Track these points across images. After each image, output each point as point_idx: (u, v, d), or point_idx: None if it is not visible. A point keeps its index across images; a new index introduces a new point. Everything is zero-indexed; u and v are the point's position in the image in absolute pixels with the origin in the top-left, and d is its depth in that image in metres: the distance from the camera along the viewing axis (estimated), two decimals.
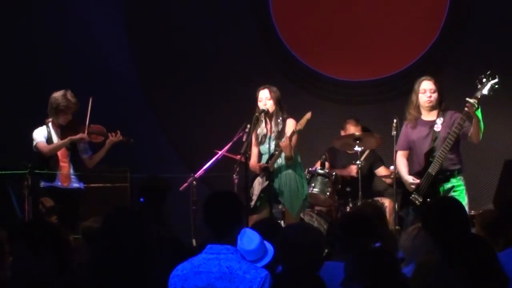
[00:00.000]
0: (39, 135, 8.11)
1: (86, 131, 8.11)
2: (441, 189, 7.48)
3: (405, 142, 7.73)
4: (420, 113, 7.62)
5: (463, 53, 9.88)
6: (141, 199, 6.40)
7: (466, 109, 7.25)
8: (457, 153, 7.56)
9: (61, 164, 8.07)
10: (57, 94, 8.06)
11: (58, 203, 7.89)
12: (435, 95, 7.55)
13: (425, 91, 7.55)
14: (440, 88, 7.59)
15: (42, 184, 8.05)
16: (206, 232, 4.18)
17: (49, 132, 8.13)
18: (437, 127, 7.54)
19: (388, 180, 8.96)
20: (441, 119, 7.55)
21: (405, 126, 7.72)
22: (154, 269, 3.85)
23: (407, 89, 7.96)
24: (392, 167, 8.14)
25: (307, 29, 10.24)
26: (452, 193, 7.39)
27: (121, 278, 3.72)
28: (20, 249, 3.95)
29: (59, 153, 8.10)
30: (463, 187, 7.50)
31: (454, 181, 7.49)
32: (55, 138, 8.12)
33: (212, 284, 3.90)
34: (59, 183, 8.06)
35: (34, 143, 8.10)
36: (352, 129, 9.00)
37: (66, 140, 8.04)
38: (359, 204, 8.23)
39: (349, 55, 10.16)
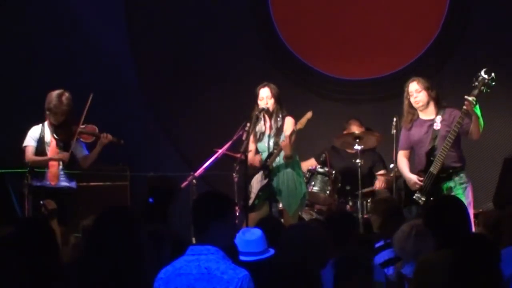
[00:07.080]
0: (30, 137, 8.05)
1: (77, 130, 8.03)
2: (444, 187, 7.45)
3: (406, 143, 7.71)
4: (416, 113, 7.61)
5: (463, 52, 9.88)
6: (150, 199, 6.27)
7: (464, 107, 7.24)
8: (458, 150, 7.53)
9: (50, 162, 8.02)
10: (53, 94, 7.97)
11: None
12: (421, 95, 7.53)
13: (412, 93, 7.57)
14: (428, 86, 7.56)
15: (33, 182, 7.97)
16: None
17: (42, 131, 8.07)
18: (437, 125, 7.51)
19: (381, 182, 8.90)
20: (440, 117, 7.54)
21: (404, 127, 7.71)
22: (146, 271, 3.81)
23: None
24: (392, 165, 8.13)
25: (307, 28, 10.25)
26: (455, 191, 7.37)
27: (110, 279, 3.68)
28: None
29: (49, 151, 8.03)
30: (466, 185, 7.46)
31: (457, 179, 7.46)
32: (47, 137, 8.06)
33: (192, 286, 3.86)
34: (47, 182, 7.96)
35: (24, 144, 8.08)
36: (355, 129, 8.95)
37: (46, 158, 7.97)
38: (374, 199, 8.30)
39: (349, 53, 10.16)
